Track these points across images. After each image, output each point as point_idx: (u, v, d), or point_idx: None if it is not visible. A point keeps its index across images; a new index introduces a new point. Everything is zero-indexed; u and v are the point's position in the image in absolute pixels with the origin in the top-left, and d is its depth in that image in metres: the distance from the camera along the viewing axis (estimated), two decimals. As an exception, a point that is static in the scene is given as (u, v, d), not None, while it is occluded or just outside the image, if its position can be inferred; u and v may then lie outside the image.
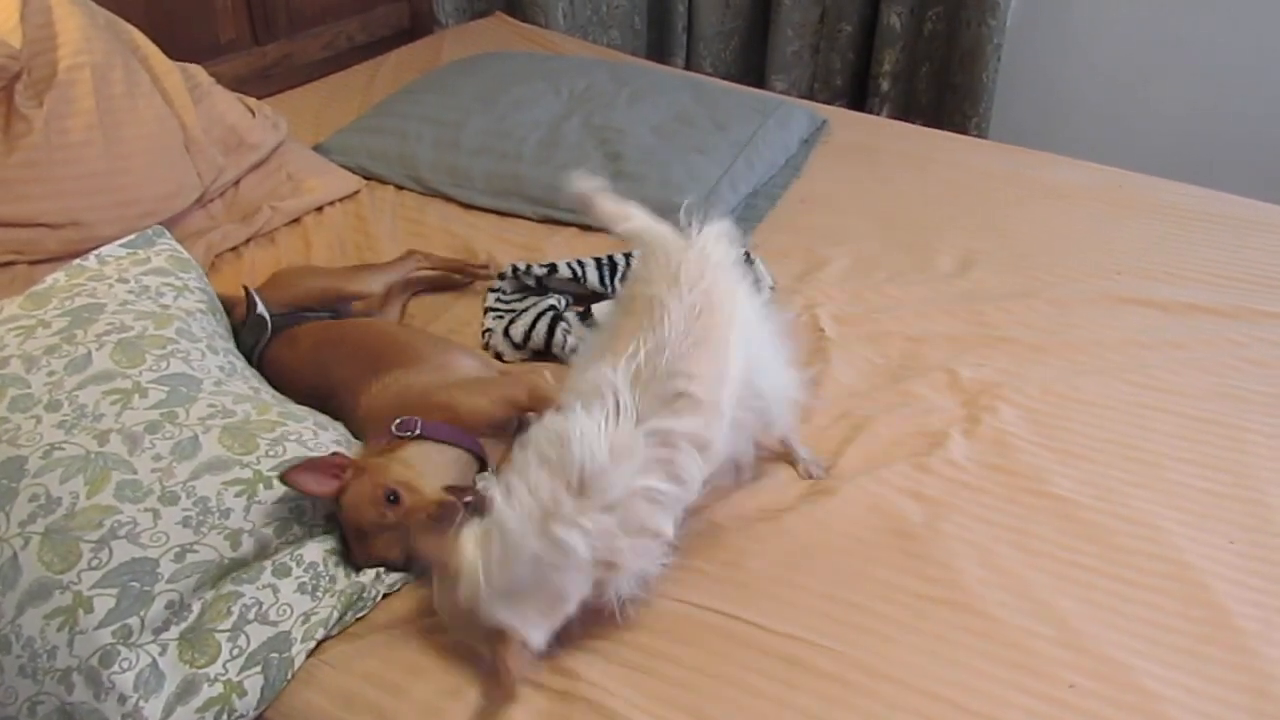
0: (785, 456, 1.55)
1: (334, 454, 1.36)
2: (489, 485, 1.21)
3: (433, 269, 2.00)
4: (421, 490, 1.32)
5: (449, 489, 1.33)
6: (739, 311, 1.36)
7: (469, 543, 1.16)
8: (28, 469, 1.26)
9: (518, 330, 1.82)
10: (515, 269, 1.96)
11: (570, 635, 1.24)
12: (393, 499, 1.30)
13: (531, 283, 1.95)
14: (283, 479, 1.31)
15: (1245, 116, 3.25)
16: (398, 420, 1.42)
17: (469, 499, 1.30)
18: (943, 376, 1.75)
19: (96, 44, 1.98)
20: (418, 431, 1.40)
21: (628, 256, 1.99)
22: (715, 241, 1.40)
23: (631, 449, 1.19)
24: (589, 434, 1.17)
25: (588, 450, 1.16)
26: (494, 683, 1.17)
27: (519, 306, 1.90)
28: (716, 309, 1.32)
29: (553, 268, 1.94)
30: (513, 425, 1.59)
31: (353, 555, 1.35)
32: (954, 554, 1.40)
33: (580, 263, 1.95)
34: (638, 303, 1.33)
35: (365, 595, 1.32)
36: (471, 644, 1.19)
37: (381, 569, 1.34)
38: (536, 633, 1.15)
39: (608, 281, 1.94)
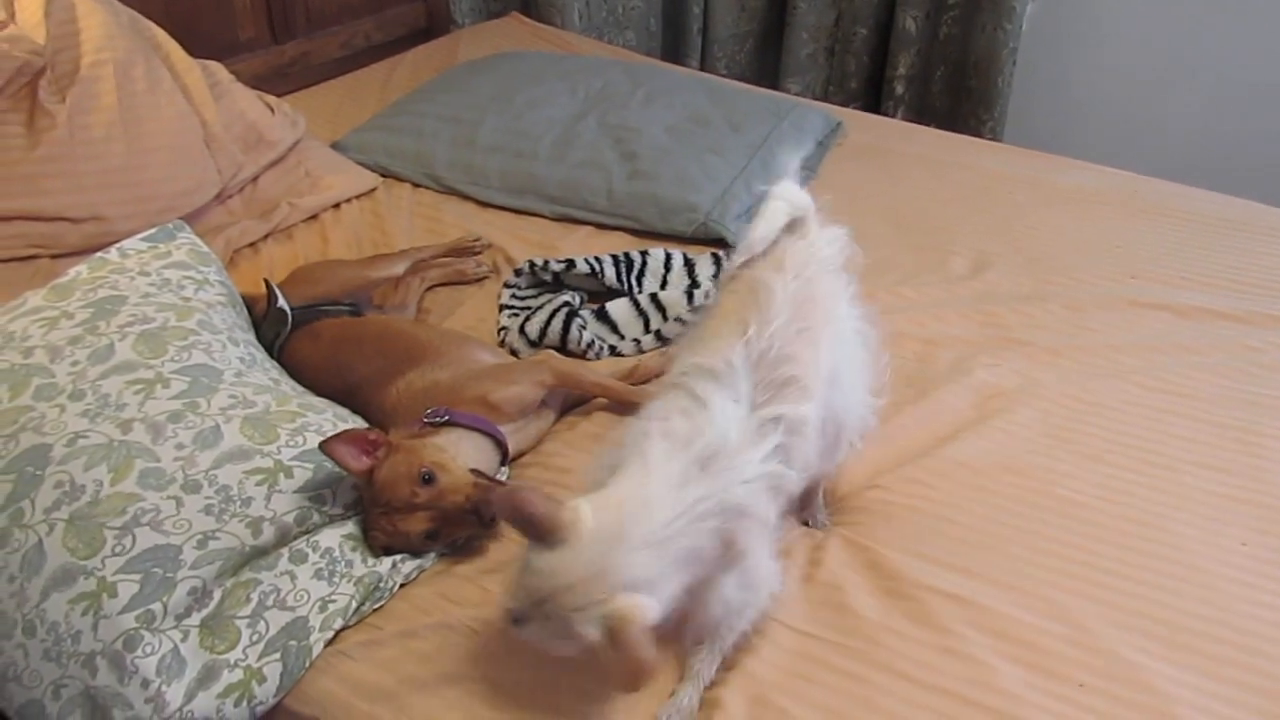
0: (801, 498, 1.43)
1: (370, 428, 1.39)
2: (626, 443, 1.15)
3: (434, 258, 2.03)
4: (455, 474, 1.35)
5: (475, 473, 1.37)
6: (835, 315, 1.33)
7: (584, 507, 1.07)
8: (52, 456, 1.27)
9: (533, 327, 1.83)
10: (532, 264, 1.97)
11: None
12: (428, 478, 1.33)
13: (549, 278, 1.96)
14: (321, 448, 1.34)
15: (1261, 121, 3.25)
16: (429, 409, 1.46)
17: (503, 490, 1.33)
18: (956, 378, 1.75)
19: (119, 41, 2.00)
20: (447, 418, 1.44)
21: (644, 254, 2.01)
22: (828, 242, 1.38)
23: (759, 433, 1.16)
24: (723, 411, 1.15)
25: (720, 426, 1.13)
26: (612, 673, 1.05)
27: (534, 304, 1.92)
28: (818, 301, 1.29)
29: (570, 263, 1.95)
30: (557, 404, 1.65)
31: (373, 531, 1.37)
32: (965, 554, 1.41)
33: (598, 259, 1.97)
34: (742, 283, 1.30)
35: (383, 585, 1.33)
36: (565, 622, 1.05)
37: (398, 557, 1.36)
38: (655, 604, 1.04)
39: (624, 278, 1.95)
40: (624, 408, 1.63)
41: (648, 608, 1.02)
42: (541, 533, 1.05)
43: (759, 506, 1.16)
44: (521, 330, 1.84)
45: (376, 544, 1.37)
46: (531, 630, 1.08)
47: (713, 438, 1.13)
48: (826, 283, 1.33)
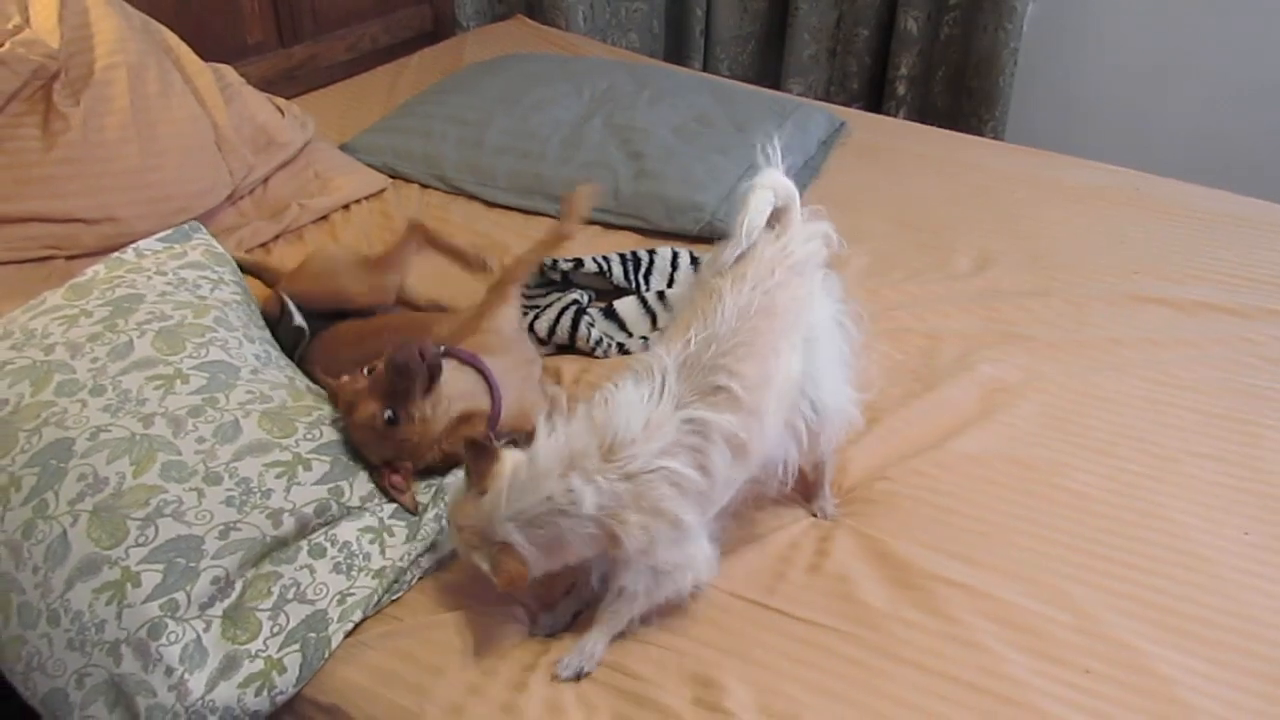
0: (804, 489, 1.52)
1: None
2: (540, 422, 1.26)
3: (436, 249, 1.97)
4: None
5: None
6: (805, 318, 1.35)
7: (506, 464, 1.21)
8: (75, 450, 1.30)
9: (542, 325, 1.85)
10: (541, 263, 2.00)
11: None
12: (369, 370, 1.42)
13: (557, 277, 1.99)
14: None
15: (1261, 119, 3.27)
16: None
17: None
18: (960, 372, 1.77)
19: (131, 44, 2.02)
20: (443, 351, 1.48)
21: (651, 253, 2.03)
22: (804, 241, 1.38)
23: (664, 428, 1.21)
24: (629, 403, 1.22)
25: (623, 417, 1.20)
26: (492, 586, 1.21)
27: (543, 301, 1.94)
28: (775, 313, 1.30)
29: (579, 262, 1.98)
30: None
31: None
32: (971, 544, 1.44)
33: (606, 258, 1.99)
34: (701, 290, 1.34)
35: (402, 580, 1.36)
36: (469, 552, 1.22)
37: (417, 552, 1.38)
38: (535, 562, 1.19)
39: (632, 276, 1.98)
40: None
41: (522, 565, 1.18)
42: (476, 478, 1.22)
43: (663, 502, 1.20)
44: (531, 328, 1.86)
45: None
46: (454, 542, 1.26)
47: (616, 427, 1.20)
48: (796, 287, 1.34)
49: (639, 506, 1.19)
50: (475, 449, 1.22)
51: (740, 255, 1.33)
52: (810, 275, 1.38)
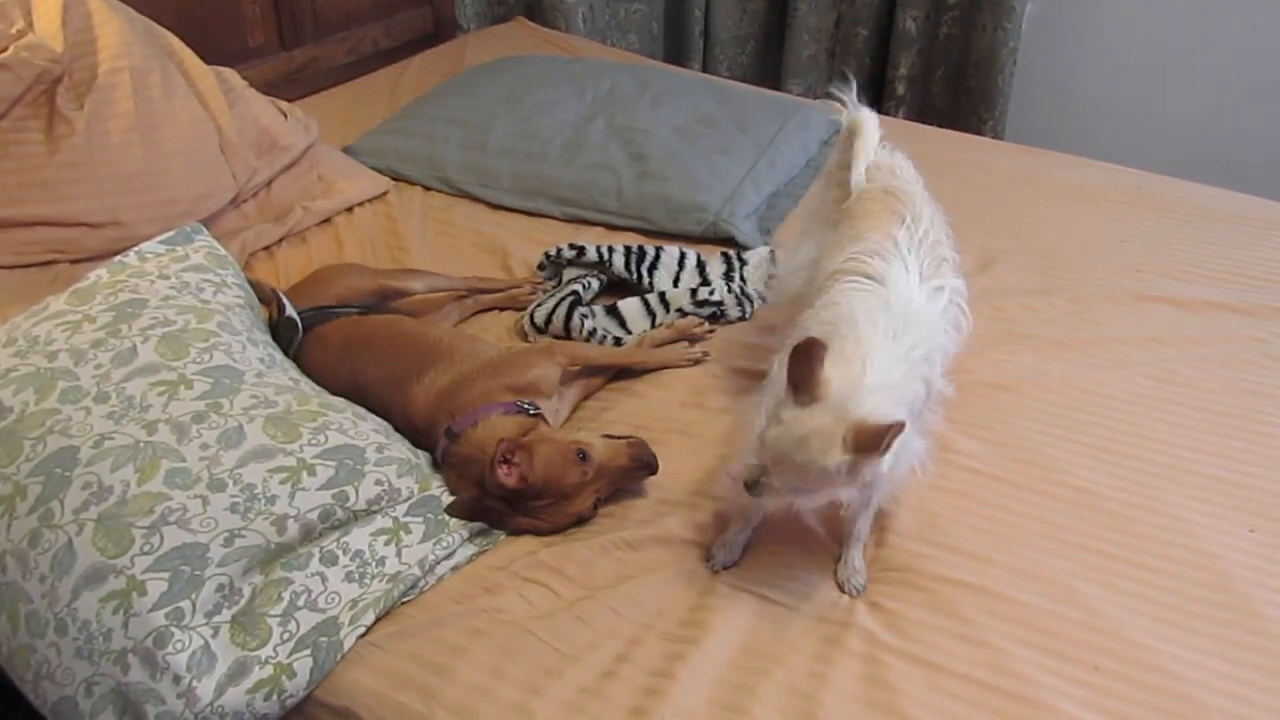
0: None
1: (503, 441, 1.41)
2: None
3: (487, 290, 2.01)
4: (599, 443, 1.44)
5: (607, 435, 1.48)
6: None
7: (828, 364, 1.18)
8: (80, 458, 1.30)
9: (540, 314, 1.88)
10: (547, 254, 2.03)
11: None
12: (584, 456, 1.41)
13: (564, 263, 2.02)
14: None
15: (1261, 117, 3.26)
16: (521, 401, 1.54)
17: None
18: (966, 372, 1.77)
19: (135, 48, 2.02)
20: (538, 411, 1.54)
21: (659, 249, 2.04)
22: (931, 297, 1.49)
23: (932, 298, 1.38)
24: (904, 282, 1.37)
25: (905, 295, 1.35)
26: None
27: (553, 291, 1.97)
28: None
29: (581, 250, 2.01)
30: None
31: (537, 523, 1.43)
32: (979, 542, 1.44)
33: (610, 248, 2.01)
34: (871, 194, 1.55)
35: (417, 586, 1.35)
36: (801, 479, 1.18)
37: (433, 560, 1.38)
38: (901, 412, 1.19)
39: (634, 268, 1.99)
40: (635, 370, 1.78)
41: (892, 414, 1.15)
42: (807, 387, 1.16)
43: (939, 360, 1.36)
44: (531, 316, 1.88)
45: (540, 534, 1.43)
46: (770, 487, 1.20)
47: (900, 301, 1.33)
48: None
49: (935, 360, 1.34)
50: (819, 359, 1.15)
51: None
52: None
